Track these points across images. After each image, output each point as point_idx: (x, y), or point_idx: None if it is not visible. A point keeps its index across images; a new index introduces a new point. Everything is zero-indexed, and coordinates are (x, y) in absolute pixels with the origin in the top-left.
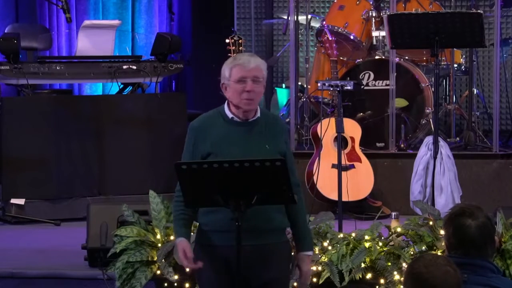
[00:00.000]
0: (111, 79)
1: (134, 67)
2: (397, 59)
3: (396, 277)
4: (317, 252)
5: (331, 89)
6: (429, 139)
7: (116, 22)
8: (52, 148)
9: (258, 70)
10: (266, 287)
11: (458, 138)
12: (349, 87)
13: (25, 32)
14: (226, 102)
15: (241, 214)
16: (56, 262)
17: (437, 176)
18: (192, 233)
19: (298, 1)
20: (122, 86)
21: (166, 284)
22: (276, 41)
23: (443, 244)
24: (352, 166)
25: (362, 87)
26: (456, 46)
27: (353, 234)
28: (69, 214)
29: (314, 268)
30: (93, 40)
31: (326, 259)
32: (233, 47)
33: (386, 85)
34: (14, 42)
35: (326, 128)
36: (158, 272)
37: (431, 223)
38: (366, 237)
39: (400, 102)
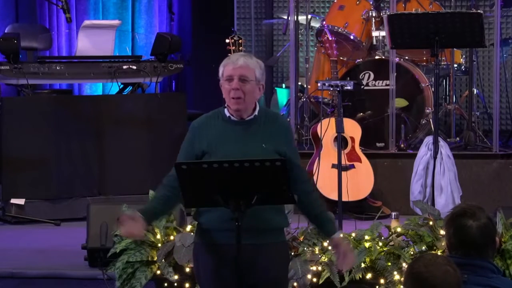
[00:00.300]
0: (111, 79)
1: (134, 67)
2: (397, 59)
3: (396, 277)
4: (317, 252)
5: (331, 89)
6: (429, 139)
7: (116, 22)
8: (52, 148)
9: (246, 69)
10: (264, 286)
11: (458, 138)
12: (349, 87)
13: (25, 32)
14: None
15: (241, 214)
16: (56, 262)
17: (437, 176)
18: (192, 233)
19: (298, 1)
20: (122, 86)
21: (166, 284)
22: (276, 41)
23: (443, 244)
24: (352, 166)
25: (362, 87)
26: (456, 46)
27: (353, 234)
28: (69, 214)
29: (314, 268)
30: (93, 40)
31: (326, 259)
32: (233, 47)
33: (386, 85)
34: (14, 42)
35: (326, 128)
36: (158, 272)
37: (431, 223)
38: (366, 237)
39: (400, 102)
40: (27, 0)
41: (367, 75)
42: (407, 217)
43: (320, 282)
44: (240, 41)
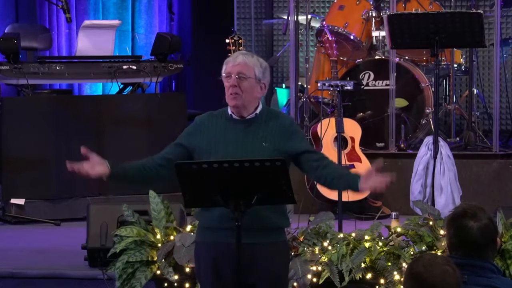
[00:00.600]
0: (111, 79)
1: (134, 67)
2: (397, 59)
3: (396, 277)
4: (317, 252)
5: (331, 89)
6: (429, 139)
7: (116, 22)
8: (52, 148)
9: (244, 66)
10: (265, 286)
11: (458, 138)
12: (349, 87)
13: (25, 32)
14: None
15: (241, 214)
16: (56, 262)
17: (437, 176)
18: (192, 233)
19: (298, 1)
20: (122, 86)
21: (166, 284)
22: (276, 41)
23: (443, 244)
24: (352, 166)
25: (362, 87)
26: (456, 46)
27: (353, 234)
28: (69, 214)
29: (314, 268)
30: (93, 40)
31: (326, 259)
32: (233, 47)
33: (386, 85)
34: (14, 42)
35: (326, 128)
36: (158, 272)
37: (431, 223)
38: (366, 237)
39: (400, 102)
40: (27, 0)
41: (367, 75)
42: (407, 217)
43: (320, 282)
44: (240, 41)
